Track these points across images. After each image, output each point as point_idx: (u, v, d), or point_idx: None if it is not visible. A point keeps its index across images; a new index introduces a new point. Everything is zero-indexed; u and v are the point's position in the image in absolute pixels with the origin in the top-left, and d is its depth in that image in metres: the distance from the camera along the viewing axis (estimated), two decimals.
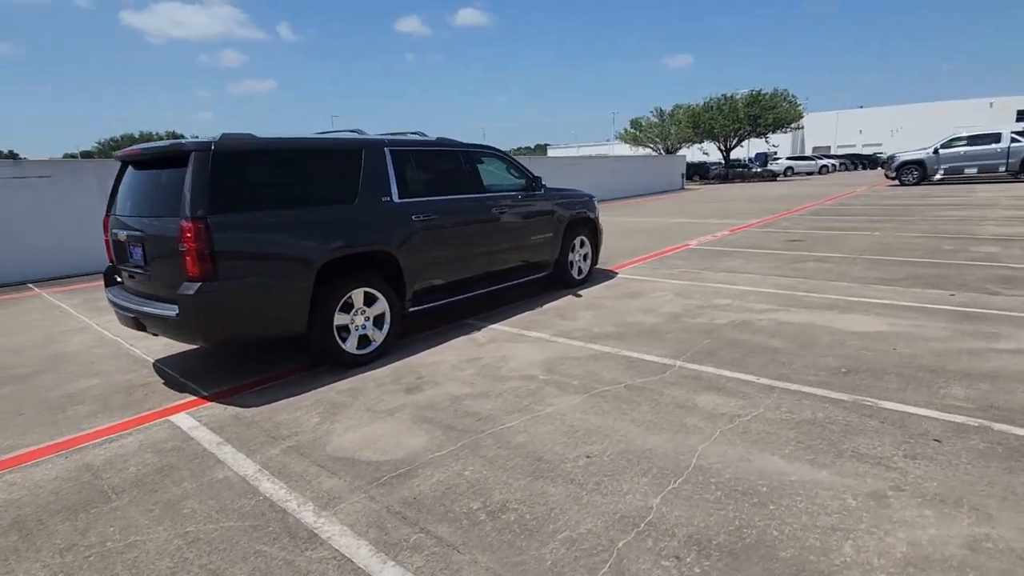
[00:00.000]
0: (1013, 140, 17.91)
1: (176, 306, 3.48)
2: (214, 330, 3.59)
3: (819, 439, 2.74)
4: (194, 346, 4.30)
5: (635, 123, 41.17)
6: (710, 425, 2.94)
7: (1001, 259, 6.78)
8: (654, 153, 38.38)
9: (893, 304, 5.05)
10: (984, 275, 5.97)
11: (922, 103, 60.71)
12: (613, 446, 2.78)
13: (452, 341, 4.67)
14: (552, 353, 4.23)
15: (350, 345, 4.09)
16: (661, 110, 39.62)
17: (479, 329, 4.97)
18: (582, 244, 6.60)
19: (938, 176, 19.28)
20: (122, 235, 3.95)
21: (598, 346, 4.33)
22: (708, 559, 1.96)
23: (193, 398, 3.68)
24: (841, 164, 43.23)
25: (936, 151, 19.36)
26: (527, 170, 5.98)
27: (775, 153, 41.59)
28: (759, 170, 35.23)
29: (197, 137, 3.70)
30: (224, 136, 3.64)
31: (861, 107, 67.87)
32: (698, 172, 35.25)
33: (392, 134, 4.97)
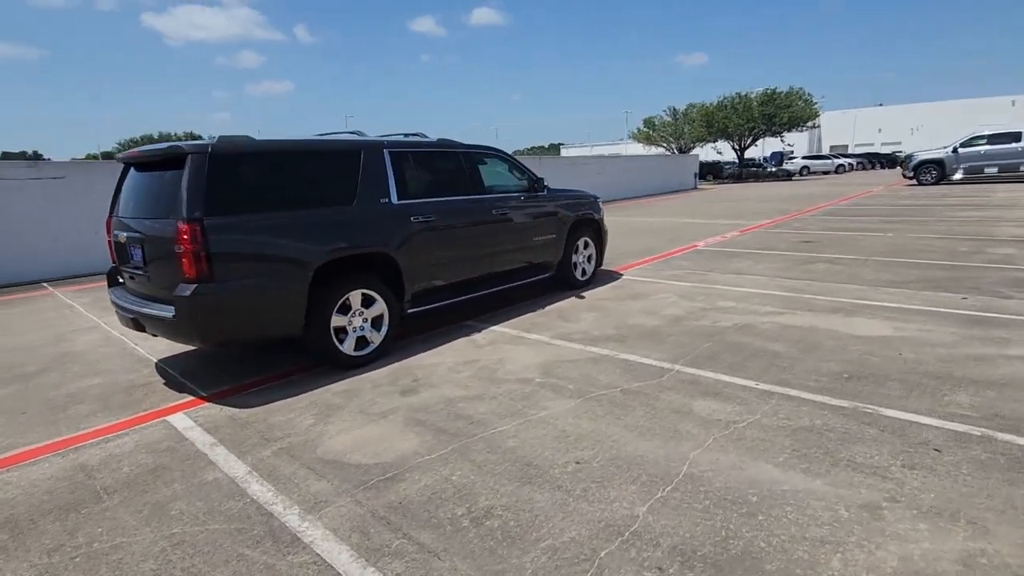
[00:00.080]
0: None
1: (172, 307, 3.51)
2: (211, 331, 3.61)
3: (815, 447, 2.68)
4: (193, 347, 4.33)
5: (648, 122, 40.91)
6: (704, 431, 2.89)
7: (1017, 261, 6.61)
8: (667, 152, 38.08)
9: (902, 307, 4.93)
10: (999, 278, 5.82)
11: (942, 101, 59.63)
12: (604, 452, 2.75)
13: (451, 343, 4.66)
14: (550, 356, 4.20)
15: (347, 346, 4.09)
16: (675, 109, 39.34)
17: (479, 330, 4.96)
18: (586, 245, 6.55)
19: (957, 176, 18.89)
20: (123, 236, 3.99)
21: (597, 349, 4.29)
22: (692, 571, 1.92)
23: (191, 398, 3.71)
24: (858, 163, 42.62)
25: (955, 150, 18.97)
26: (529, 171, 5.95)
27: (791, 152, 41.00)
28: (774, 169, 34.78)
29: (214, 138, 3.72)
30: (221, 138, 3.68)
31: (880, 105, 66.83)
32: (711, 172, 34.85)
33: (389, 136, 4.97)
